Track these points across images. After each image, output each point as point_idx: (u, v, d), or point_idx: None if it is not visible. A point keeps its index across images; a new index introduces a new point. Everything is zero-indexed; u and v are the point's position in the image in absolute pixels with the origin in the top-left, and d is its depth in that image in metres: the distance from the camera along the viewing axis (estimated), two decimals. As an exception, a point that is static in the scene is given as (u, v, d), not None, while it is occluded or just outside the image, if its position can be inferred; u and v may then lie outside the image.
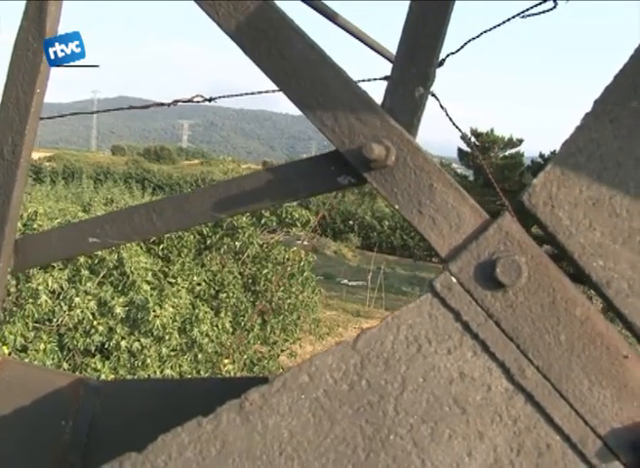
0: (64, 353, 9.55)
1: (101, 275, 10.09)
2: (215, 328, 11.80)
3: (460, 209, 1.47)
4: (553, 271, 1.40)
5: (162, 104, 2.68)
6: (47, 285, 9.03)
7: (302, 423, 1.41)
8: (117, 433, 2.05)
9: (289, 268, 14.02)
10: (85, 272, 9.81)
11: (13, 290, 9.09)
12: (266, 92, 2.40)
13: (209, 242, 13.67)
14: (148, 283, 10.65)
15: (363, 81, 2.48)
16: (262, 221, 13.96)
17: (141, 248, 11.58)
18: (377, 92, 1.67)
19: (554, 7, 2.03)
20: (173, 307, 10.71)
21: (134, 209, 1.85)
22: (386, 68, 1.60)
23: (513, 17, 2.25)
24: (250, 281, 14.26)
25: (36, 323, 9.25)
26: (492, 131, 42.63)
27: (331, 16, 2.42)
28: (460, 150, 43.72)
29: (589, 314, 1.38)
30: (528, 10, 2.14)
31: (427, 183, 1.48)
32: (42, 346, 9.09)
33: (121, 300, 9.89)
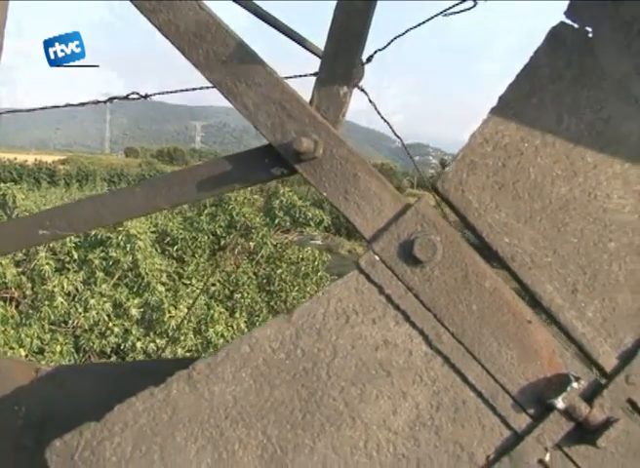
0: (80, 355, 9.70)
1: (116, 277, 10.24)
2: (230, 328, 11.90)
3: (381, 195, 1.64)
4: (465, 248, 1.57)
5: (98, 102, 2.82)
6: (62, 287, 9.21)
7: (245, 389, 1.59)
8: (70, 416, 2.01)
9: (303, 268, 14.07)
10: (100, 274, 9.96)
11: (29, 292, 9.30)
12: (201, 88, 2.55)
13: (223, 242, 13.73)
14: (163, 284, 10.79)
15: (294, 77, 2.63)
16: (276, 221, 13.95)
17: (156, 249, 11.68)
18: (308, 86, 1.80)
19: (474, 6, 2.21)
20: (188, 308, 10.83)
21: (82, 202, 1.96)
22: (317, 63, 1.76)
23: (436, 15, 2.44)
24: (264, 281, 14.31)
25: (52, 325, 9.43)
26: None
27: (262, 15, 2.55)
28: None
29: (497, 285, 1.54)
30: (449, 9, 2.33)
31: (352, 173, 1.65)
32: (58, 348, 9.25)
33: (136, 302, 10.04)
